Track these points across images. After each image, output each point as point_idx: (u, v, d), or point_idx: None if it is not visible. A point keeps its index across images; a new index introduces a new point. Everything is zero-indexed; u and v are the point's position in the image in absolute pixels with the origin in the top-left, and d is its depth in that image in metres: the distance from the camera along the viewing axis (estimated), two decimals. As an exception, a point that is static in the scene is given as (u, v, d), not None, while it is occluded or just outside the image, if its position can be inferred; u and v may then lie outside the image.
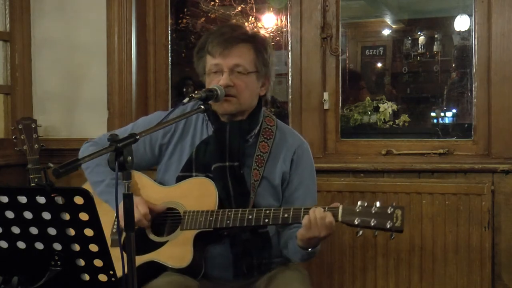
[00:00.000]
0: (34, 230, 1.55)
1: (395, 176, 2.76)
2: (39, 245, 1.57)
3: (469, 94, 2.89)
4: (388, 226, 1.77)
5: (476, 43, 2.74)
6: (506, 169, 2.61)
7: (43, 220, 1.52)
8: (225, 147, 2.09)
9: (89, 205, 1.48)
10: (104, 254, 1.54)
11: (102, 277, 1.57)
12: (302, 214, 1.90)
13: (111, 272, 1.56)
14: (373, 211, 1.80)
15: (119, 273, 1.58)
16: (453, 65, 4.47)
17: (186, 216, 2.04)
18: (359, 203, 1.84)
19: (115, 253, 1.59)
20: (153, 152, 2.22)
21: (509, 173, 2.61)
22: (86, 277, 1.58)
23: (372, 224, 1.79)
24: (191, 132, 2.20)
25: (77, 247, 1.55)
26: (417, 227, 2.68)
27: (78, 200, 1.47)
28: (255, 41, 2.12)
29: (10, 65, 3.19)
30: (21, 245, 1.58)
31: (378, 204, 1.81)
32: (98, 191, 2.14)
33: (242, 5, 4.62)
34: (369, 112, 3.37)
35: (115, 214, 2.06)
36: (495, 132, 2.68)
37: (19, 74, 3.19)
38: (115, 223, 2.13)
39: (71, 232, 1.53)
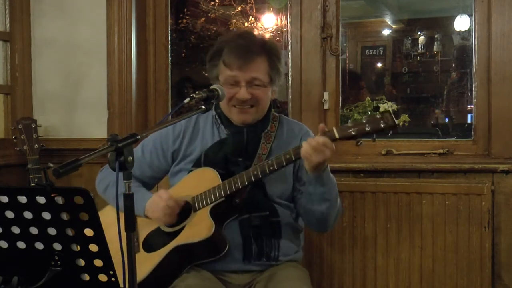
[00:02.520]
0: (34, 230, 1.55)
1: (395, 176, 2.76)
2: (39, 245, 1.57)
3: (469, 94, 2.89)
4: (383, 126, 1.93)
5: (476, 43, 2.73)
6: (506, 169, 2.61)
7: (43, 220, 1.52)
8: (242, 147, 2.18)
9: (89, 205, 1.48)
10: (104, 254, 1.53)
11: (102, 277, 1.57)
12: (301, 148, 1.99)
13: (111, 272, 1.55)
14: (365, 120, 1.95)
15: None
16: (453, 65, 4.47)
17: (195, 200, 2.11)
18: (349, 121, 2.01)
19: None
20: (167, 161, 2.30)
21: (509, 173, 2.61)
22: (86, 277, 1.58)
23: (368, 129, 1.93)
24: (200, 137, 2.27)
25: (77, 247, 1.55)
26: (417, 227, 2.68)
27: (78, 200, 1.47)
28: (269, 52, 2.19)
29: (10, 65, 3.18)
30: (21, 245, 1.58)
31: (367, 115, 1.97)
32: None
33: (242, 5, 4.63)
34: (369, 112, 3.37)
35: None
36: (495, 132, 2.68)
37: (19, 74, 3.18)
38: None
39: (71, 232, 1.53)
